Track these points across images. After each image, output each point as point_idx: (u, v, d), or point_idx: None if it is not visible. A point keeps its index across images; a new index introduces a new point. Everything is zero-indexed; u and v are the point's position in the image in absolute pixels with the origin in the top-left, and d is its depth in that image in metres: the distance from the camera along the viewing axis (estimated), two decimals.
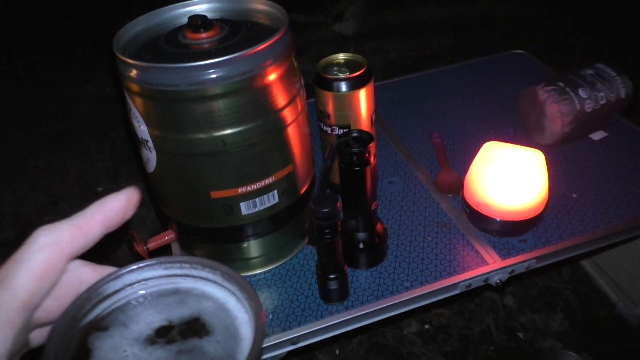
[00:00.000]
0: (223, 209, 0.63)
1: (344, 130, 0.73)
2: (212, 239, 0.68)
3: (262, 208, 0.64)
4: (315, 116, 0.76)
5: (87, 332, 0.27)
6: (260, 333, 0.26)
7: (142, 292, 0.29)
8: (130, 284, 0.29)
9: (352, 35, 2.14)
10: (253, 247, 0.70)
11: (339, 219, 0.59)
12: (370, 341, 1.03)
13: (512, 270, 0.72)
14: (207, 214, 0.64)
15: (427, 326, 1.05)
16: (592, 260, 1.12)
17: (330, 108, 0.72)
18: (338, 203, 0.58)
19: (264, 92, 0.58)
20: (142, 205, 0.31)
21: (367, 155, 0.61)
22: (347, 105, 0.72)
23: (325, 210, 0.57)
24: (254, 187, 0.62)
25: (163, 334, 0.27)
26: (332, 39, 2.10)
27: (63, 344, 0.25)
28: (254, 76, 0.56)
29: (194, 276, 0.30)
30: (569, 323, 1.04)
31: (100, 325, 0.27)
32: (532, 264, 0.72)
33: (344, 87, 0.71)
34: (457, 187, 0.81)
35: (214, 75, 0.53)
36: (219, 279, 0.29)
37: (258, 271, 0.72)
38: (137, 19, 0.64)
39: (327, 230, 0.59)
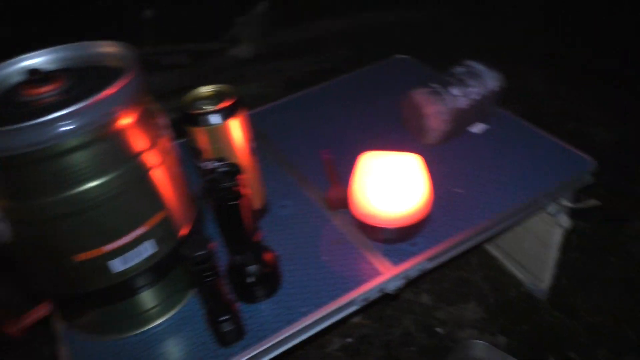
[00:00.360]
0: (93, 271, 0.60)
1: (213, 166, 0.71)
2: (93, 303, 0.64)
3: (138, 261, 0.61)
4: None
5: None
6: None
7: None
8: None
9: (250, 58, 2.12)
10: (144, 300, 0.66)
11: (214, 259, 0.57)
12: None
13: (407, 275, 0.73)
14: (78, 278, 0.60)
15: (349, 339, 1.04)
16: (496, 245, 1.16)
17: (202, 144, 0.70)
18: (210, 244, 0.56)
19: (119, 139, 0.55)
20: None
21: (236, 188, 0.60)
22: (218, 138, 0.70)
23: (199, 254, 0.55)
24: (122, 241, 0.58)
25: None
26: (229, 66, 2.07)
27: None
28: (104, 125, 0.53)
29: None
30: (483, 310, 1.07)
31: None
32: (425, 265, 0.74)
33: (212, 120, 0.69)
34: (346, 201, 0.81)
35: (59, 130, 0.50)
36: None
37: (158, 322, 0.68)
38: None
39: (206, 274, 0.57)
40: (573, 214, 0.91)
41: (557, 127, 0.92)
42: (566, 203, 0.88)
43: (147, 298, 0.66)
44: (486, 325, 1.04)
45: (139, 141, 0.57)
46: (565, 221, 0.90)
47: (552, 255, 0.97)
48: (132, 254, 0.60)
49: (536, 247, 1.01)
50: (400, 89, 1.05)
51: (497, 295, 1.10)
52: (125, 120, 0.55)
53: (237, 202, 0.60)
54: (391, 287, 0.72)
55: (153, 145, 0.59)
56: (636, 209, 1.27)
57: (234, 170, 0.61)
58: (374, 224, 0.73)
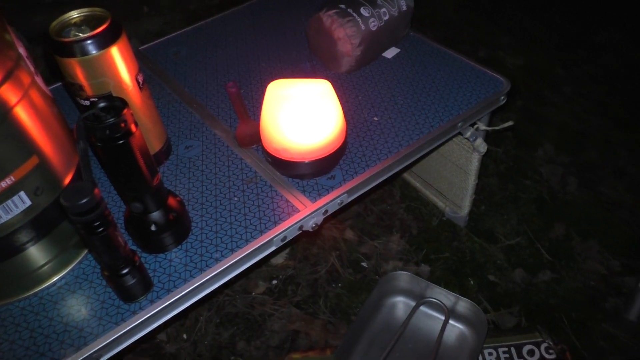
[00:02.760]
0: None
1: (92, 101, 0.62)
2: None
3: (12, 216, 0.52)
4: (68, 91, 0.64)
5: None
6: None
7: None
8: None
9: None
10: (30, 258, 0.57)
11: (105, 207, 0.50)
12: (219, 314, 0.96)
13: (326, 211, 0.69)
14: None
15: (274, 281, 1.01)
16: (416, 176, 1.16)
17: (80, 77, 0.60)
18: (96, 190, 0.48)
19: None
20: None
21: (123, 124, 0.52)
22: (99, 70, 0.60)
23: (82, 202, 0.47)
24: None
25: None
26: (121, 1, 1.87)
27: None
28: None
29: None
30: (406, 241, 1.07)
31: None
32: (344, 199, 0.70)
33: (90, 48, 0.59)
34: (257, 136, 0.75)
35: None
36: None
37: (49, 282, 0.60)
38: None
39: (95, 225, 0.50)
40: (488, 138, 0.90)
41: (469, 54, 0.89)
42: (483, 127, 0.87)
43: (32, 256, 0.57)
44: (410, 255, 1.05)
45: None
46: (482, 145, 0.90)
47: (470, 181, 0.97)
48: (2, 208, 0.51)
49: (455, 175, 1.01)
50: (306, 11, 0.98)
51: (419, 225, 1.10)
52: None
53: (126, 141, 0.52)
54: (310, 224, 0.68)
55: (7, 78, 0.49)
56: (546, 132, 1.31)
57: (118, 104, 0.52)
58: (288, 159, 0.68)
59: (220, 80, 0.88)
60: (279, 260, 1.05)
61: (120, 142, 0.52)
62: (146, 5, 1.81)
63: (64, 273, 0.61)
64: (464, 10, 1.78)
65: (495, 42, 1.61)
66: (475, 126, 0.87)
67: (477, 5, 1.80)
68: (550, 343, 0.85)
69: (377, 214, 1.13)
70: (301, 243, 1.07)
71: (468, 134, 0.87)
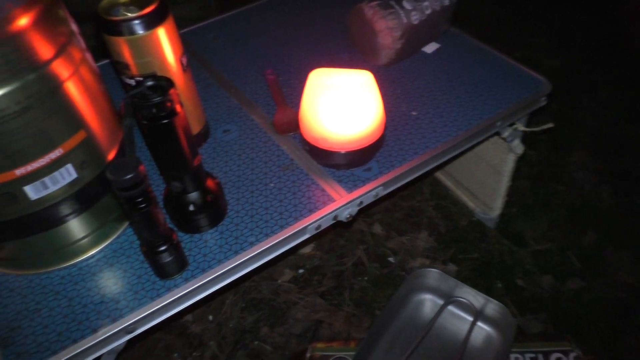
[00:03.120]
0: (7, 199, 0.52)
1: (138, 79, 0.62)
2: (12, 234, 0.56)
3: (57, 188, 0.54)
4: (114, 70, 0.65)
5: None
6: None
7: None
8: None
9: None
10: (71, 231, 0.59)
11: (148, 184, 0.51)
12: (245, 299, 0.97)
13: (361, 202, 0.69)
14: None
15: (300, 271, 1.01)
16: (448, 174, 1.15)
17: (126, 56, 0.61)
18: (141, 166, 0.49)
19: (15, 43, 0.46)
20: None
21: (169, 104, 0.52)
22: (145, 50, 0.61)
23: (127, 177, 0.48)
24: (36, 165, 0.50)
25: None
26: None
27: None
28: None
29: None
30: (434, 239, 1.07)
31: None
32: (380, 192, 0.70)
33: (138, 28, 0.60)
34: (295, 124, 0.75)
35: None
36: None
37: (88, 254, 0.62)
38: None
39: (138, 200, 0.50)
40: (524, 140, 0.89)
41: (505, 53, 0.88)
42: (522, 127, 0.86)
43: (74, 228, 0.59)
44: (437, 254, 1.04)
45: (41, 48, 0.48)
46: (519, 147, 0.88)
47: (503, 182, 0.96)
48: (50, 179, 0.52)
49: (488, 175, 0.99)
50: (347, 1, 0.98)
51: (447, 224, 1.09)
52: (21, 21, 0.46)
53: (170, 120, 0.53)
54: (345, 214, 0.68)
55: (60, 53, 0.50)
56: (581, 137, 1.28)
57: (164, 84, 0.53)
58: (326, 148, 0.68)
59: (258, 66, 0.89)
60: (306, 249, 1.05)
61: (165, 121, 0.53)
62: None
63: (102, 246, 0.62)
64: (499, 7, 1.75)
65: (531, 42, 1.58)
66: (514, 126, 0.86)
67: (512, 3, 1.77)
68: (580, 353, 0.84)
69: (406, 210, 1.13)
70: (329, 234, 1.07)
71: (506, 134, 0.86)
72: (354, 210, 0.68)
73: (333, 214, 0.66)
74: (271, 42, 0.94)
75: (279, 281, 1.00)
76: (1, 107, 0.46)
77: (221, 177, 0.70)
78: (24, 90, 0.47)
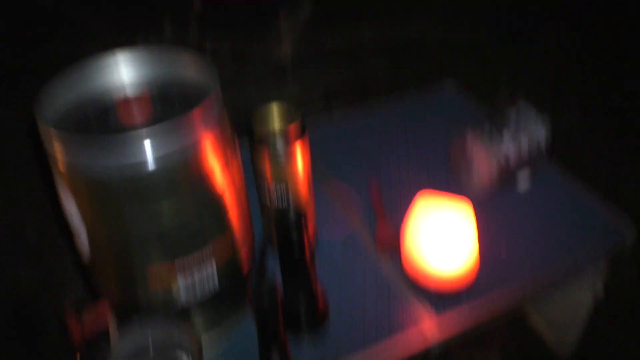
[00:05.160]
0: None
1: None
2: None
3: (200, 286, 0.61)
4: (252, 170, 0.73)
5: None
6: None
7: None
8: None
9: (289, 62, 2.08)
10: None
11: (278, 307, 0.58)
12: None
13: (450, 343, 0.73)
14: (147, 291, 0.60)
15: None
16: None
17: (265, 166, 0.70)
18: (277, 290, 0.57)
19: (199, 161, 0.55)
20: None
21: (305, 237, 0.61)
22: (284, 162, 0.69)
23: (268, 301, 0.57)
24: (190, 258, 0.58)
25: None
26: (269, 70, 2.03)
27: None
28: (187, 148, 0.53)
29: None
30: None
31: None
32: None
33: (280, 142, 0.68)
34: (395, 242, 0.79)
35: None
36: None
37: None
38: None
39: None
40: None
41: (591, 179, 0.88)
42: (604, 269, 0.87)
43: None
44: None
45: (215, 162, 0.57)
46: (600, 289, 0.89)
47: (581, 319, 0.96)
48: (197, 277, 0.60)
49: (567, 310, 0.99)
50: (449, 122, 1.04)
51: (519, 351, 1.08)
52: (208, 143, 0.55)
53: (305, 256, 0.61)
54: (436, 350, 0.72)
55: (227, 166, 0.59)
56: None
57: (299, 215, 0.62)
58: (425, 284, 0.73)
59: (358, 170, 0.95)
60: None
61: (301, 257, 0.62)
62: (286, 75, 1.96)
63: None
64: (585, 124, 1.73)
65: (616, 166, 1.56)
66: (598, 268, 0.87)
67: (602, 123, 1.75)
68: None
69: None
70: None
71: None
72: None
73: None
74: (372, 148, 1.01)
75: None
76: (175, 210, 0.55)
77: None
78: (194, 198, 0.57)
